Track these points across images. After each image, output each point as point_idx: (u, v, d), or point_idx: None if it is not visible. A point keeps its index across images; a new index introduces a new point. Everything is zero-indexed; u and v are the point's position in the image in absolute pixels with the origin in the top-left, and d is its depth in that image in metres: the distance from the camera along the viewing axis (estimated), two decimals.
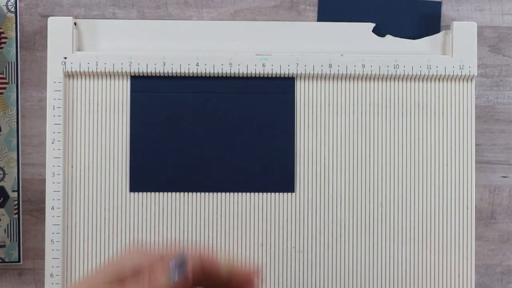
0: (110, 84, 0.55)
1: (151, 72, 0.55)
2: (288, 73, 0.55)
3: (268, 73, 0.55)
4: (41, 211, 0.56)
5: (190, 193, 0.56)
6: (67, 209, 0.55)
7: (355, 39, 0.57)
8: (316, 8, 0.57)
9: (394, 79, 0.56)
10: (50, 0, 0.56)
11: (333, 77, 0.56)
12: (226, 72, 0.55)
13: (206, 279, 0.36)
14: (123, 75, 0.55)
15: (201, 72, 0.55)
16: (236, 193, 0.56)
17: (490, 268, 0.58)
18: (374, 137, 0.56)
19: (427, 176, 0.56)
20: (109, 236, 0.55)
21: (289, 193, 0.56)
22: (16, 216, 0.56)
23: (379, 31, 0.57)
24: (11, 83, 0.56)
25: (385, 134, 0.56)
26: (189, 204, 0.55)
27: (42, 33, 0.56)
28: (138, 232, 0.55)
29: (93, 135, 0.55)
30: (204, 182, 0.55)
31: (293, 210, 0.56)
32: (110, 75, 0.55)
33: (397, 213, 0.56)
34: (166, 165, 0.56)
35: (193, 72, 0.55)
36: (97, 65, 0.55)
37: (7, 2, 0.56)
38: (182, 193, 0.55)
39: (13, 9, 0.56)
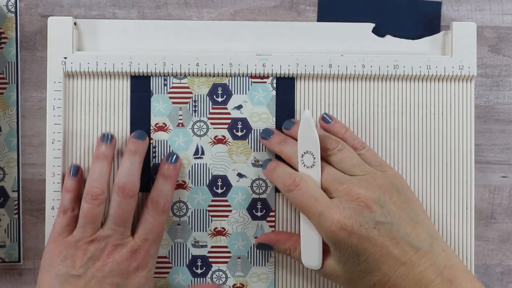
0: (110, 84, 0.55)
1: (151, 72, 0.55)
2: (288, 73, 0.55)
3: (268, 73, 0.55)
4: (41, 211, 0.56)
5: None
6: None
7: (355, 39, 0.57)
8: (316, 8, 0.57)
9: (394, 79, 0.56)
10: (50, 0, 0.56)
11: (333, 77, 0.56)
12: (226, 72, 0.55)
13: None
14: (123, 75, 0.55)
15: (201, 72, 0.55)
16: None
17: (490, 268, 0.58)
18: (374, 137, 0.56)
19: (427, 176, 0.56)
20: None
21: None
22: (16, 216, 0.56)
23: (379, 31, 0.57)
24: (11, 83, 0.56)
25: (385, 134, 0.56)
26: None
27: (42, 33, 0.56)
28: None
29: (93, 135, 0.55)
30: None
31: (293, 210, 0.56)
32: (110, 75, 0.55)
33: None
34: None
35: (193, 72, 0.55)
36: (97, 65, 0.55)
37: (7, 2, 0.56)
38: None
39: (13, 9, 0.56)
